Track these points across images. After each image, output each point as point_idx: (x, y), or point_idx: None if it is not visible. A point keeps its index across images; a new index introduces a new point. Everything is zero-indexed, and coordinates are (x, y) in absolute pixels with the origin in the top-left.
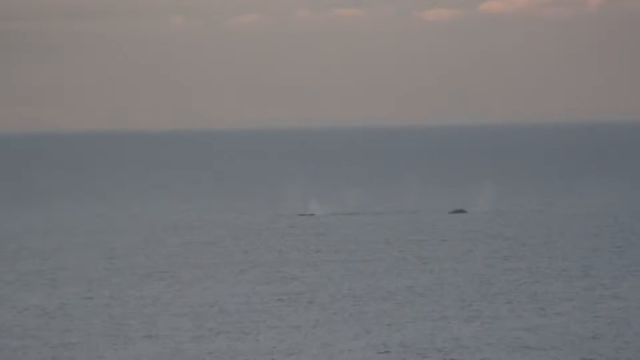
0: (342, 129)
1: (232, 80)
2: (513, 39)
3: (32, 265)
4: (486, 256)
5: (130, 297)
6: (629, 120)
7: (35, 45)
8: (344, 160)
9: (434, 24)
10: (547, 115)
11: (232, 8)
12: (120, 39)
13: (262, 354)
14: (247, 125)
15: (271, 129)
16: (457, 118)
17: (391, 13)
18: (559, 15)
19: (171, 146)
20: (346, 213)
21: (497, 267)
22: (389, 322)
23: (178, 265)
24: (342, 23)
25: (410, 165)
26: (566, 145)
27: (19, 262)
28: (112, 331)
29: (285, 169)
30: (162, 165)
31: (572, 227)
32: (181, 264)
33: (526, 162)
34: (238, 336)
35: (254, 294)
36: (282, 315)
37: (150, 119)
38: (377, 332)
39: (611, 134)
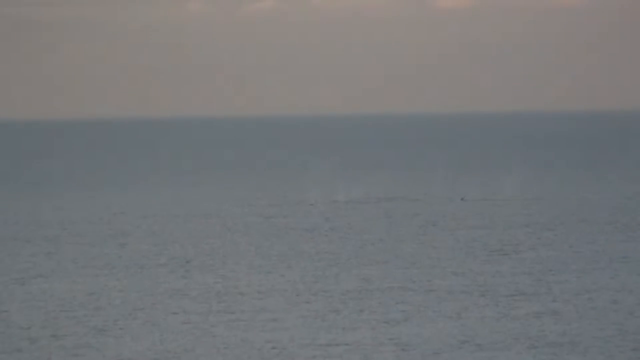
0: (358, 116)
1: (247, 66)
2: (526, 28)
3: (39, 254)
4: (485, 246)
5: (142, 286)
6: None
7: (49, 33)
8: (362, 147)
9: (448, 11)
10: (562, 103)
11: None
12: (137, 25)
13: (273, 344)
14: (262, 112)
15: (286, 116)
16: (470, 106)
17: (406, 0)
18: (573, 3)
19: (184, 133)
20: (360, 201)
21: (502, 257)
22: (393, 315)
23: (190, 254)
24: (357, 10)
25: (420, 153)
26: (586, 134)
27: (25, 250)
28: (124, 319)
29: (296, 158)
30: (176, 153)
31: (582, 215)
32: (193, 253)
33: (542, 150)
34: (247, 325)
35: (264, 283)
36: (284, 305)
37: (166, 106)
38: (377, 325)
39: (628, 123)
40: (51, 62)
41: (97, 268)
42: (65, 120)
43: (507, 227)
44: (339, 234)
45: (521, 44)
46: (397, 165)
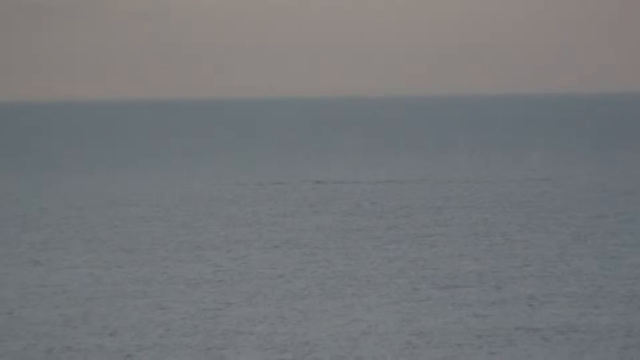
0: (367, 97)
1: (256, 49)
2: (533, 8)
3: (38, 237)
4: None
5: (138, 271)
6: None
7: (60, 17)
8: (377, 129)
9: None
10: (570, 85)
11: None
12: (145, 11)
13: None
14: (276, 94)
15: (300, 98)
16: (480, 88)
17: None
18: None
19: (197, 115)
20: (384, 180)
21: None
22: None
23: (194, 239)
24: None
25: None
26: (596, 116)
27: (24, 233)
28: (130, 305)
29: (301, 139)
30: (190, 134)
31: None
32: (196, 237)
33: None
34: (254, 304)
35: (268, 265)
36: (287, 283)
37: (178, 88)
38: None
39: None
40: (63, 46)
41: (99, 253)
42: (77, 102)
43: (515, 208)
44: (347, 214)
45: (526, 24)
46: (402, 147)
